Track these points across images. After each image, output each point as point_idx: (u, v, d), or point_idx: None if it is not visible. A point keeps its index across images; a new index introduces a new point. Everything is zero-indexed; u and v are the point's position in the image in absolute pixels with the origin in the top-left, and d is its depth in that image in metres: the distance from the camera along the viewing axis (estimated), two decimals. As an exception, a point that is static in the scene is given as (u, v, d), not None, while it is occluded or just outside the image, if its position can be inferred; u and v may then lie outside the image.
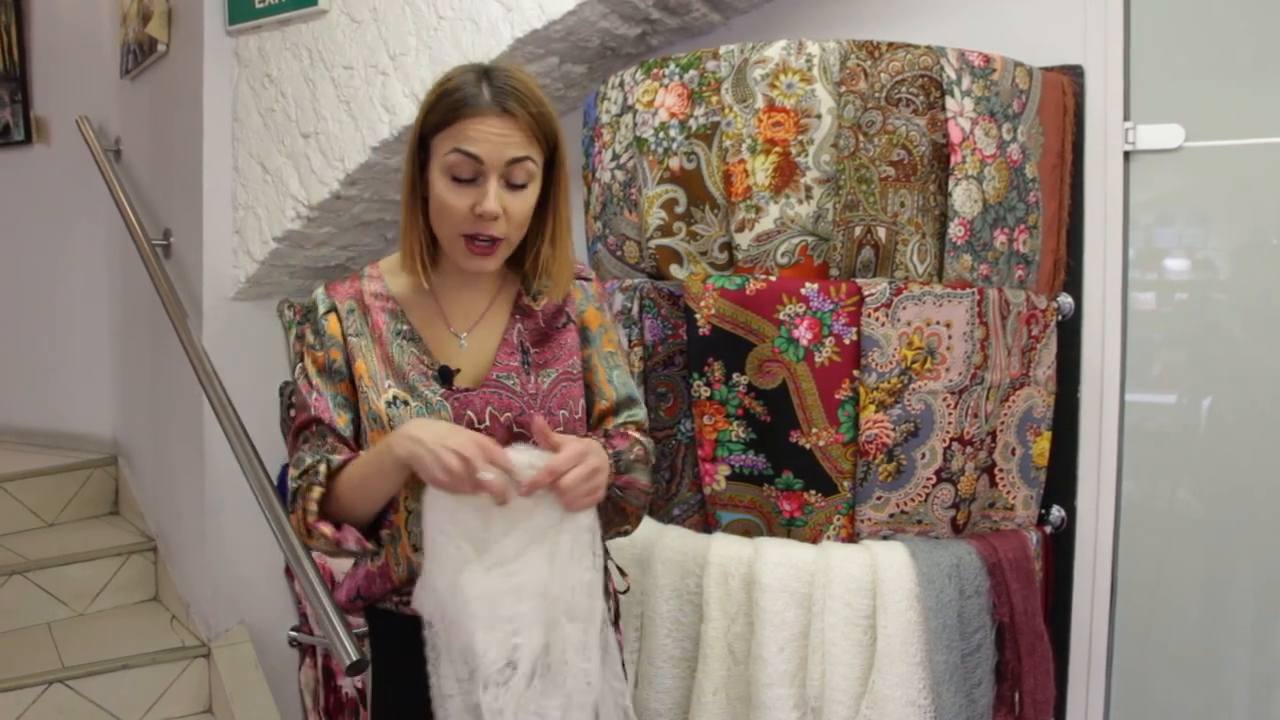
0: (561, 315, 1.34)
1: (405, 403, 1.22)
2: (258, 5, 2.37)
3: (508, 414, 1.25)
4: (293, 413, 1.30)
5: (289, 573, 2.59)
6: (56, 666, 2.40)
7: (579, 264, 1.41)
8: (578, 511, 1.16)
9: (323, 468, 1.20)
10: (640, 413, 1.37)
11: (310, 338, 1.27)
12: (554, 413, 1.27)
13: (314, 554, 2.01)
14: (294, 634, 2.51)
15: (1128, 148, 1.78)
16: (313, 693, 2.53)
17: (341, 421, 1.25)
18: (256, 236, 2.44)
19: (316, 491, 1.19)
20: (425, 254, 1.25)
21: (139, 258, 2.69)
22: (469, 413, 1.24)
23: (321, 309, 1.27)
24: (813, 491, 1.57)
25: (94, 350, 3.45)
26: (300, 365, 1.29)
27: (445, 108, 1.18)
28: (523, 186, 1.21)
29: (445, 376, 1.24)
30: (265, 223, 2.43)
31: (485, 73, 1.20)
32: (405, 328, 1.26)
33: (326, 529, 1.19)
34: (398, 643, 1.29)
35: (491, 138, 1.16)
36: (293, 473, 1.24)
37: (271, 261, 2.46)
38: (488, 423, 1.24)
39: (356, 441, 1.27)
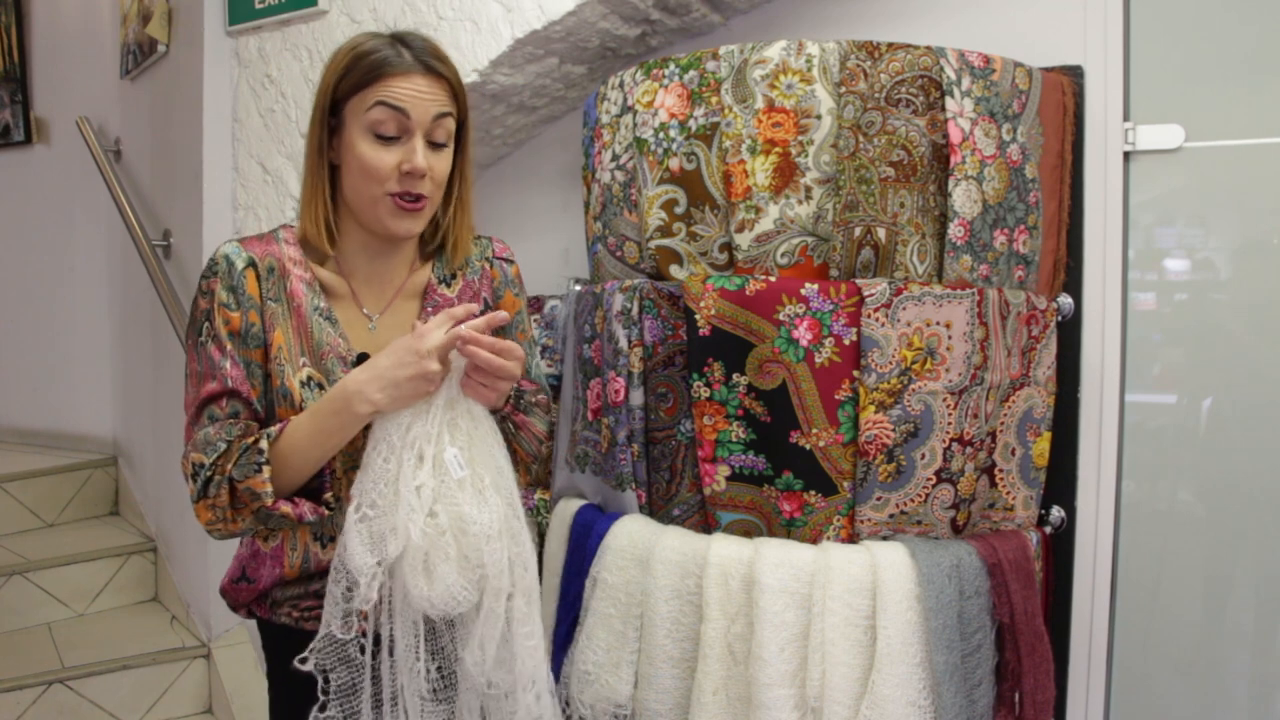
0: (478, 300, 1.32)
1: (320, 385, 1.18)
2: (258, 6, 2.37)
3: None
4: (187, 378, 1.19)
5: (289, 573, 2.59)
6: (57, 667, 2.40)
7: (501, 245, 1.39)
8: (474, 398, 1.15)
9: (265, 443, 1.11)
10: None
11: (224, 294, 1.16)
12: None
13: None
14: (294, 634, 2.51)
15: (1128, 148, 1.78)
16: (313, 693, 2.52)
17: (254, 395, 1.17)
18: (256, 237, 2.44)
19: (267, 471, 1.10)
20: (329, 222, 1.22)
21: (139, 258, 2.69)
22: None
23: (239, 264, 1.18)
24: (813, 492, 1.57)
25: (94, 351, 3.45)
26: (208, 325, 1.17)
27: (366, 69, 1.16)
28: (444, 145, 1.20)
29: (361, 363, 1.19)
30: (265, 223, 2.43)
31: (398, 37, 1.20)
32: (324, 305, 1.22)
33: (287, 508, 1.12)
34: (292, 657, 1.21)
35: (419, 94, 1.16)
36: (197, 456, 1.12)
37: (271, 262, 2.46)
38: None
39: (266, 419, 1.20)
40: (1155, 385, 1.81)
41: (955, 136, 1.59)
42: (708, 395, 1.60)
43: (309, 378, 1.18)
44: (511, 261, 1.39)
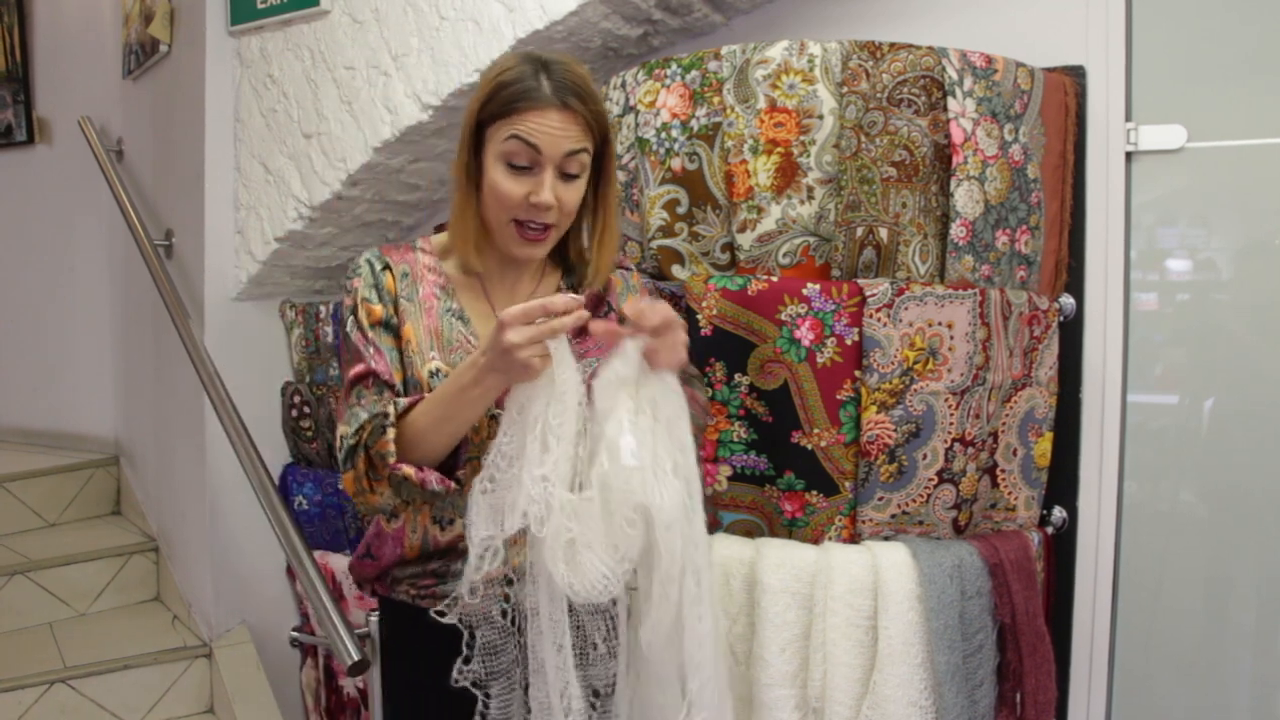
0: (603, 305, 1.35)
1: (447, 375, 1.22)
2: (260, 6, 2.37)
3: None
4: (333, 372, 1.26)
5: (290, 573, 2.59)
6: (58, 666, 2.40)
7: (620, 255, 1.42)
8: (663, 367, 1.14)
9: (391, 409, 1.16)
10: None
11: (365, 291, 1.26)
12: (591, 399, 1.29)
13: (316, 555, 2.01)
14: (295, 634, 2.52)
15: (1129, 148, 1.78)
16: (314, 693, 2.53)
17: (398, 378, 1.24)
18: (258, 237, 2.45)
19: (391, 433, 1.15)
20: (477, 236, 1.27)
21: (141, 258, 2.69)
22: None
23: (378, 265, 1.28)
24: (814, 492, 1.57)
25: (96, 350, 3.45)
26: (353, 318, 1.25)
27: (506, 98, 1.19)
28: (576, 177, 1.23)
29: None
30: (267, 223, 2.43)
31: (544, 64, 1.21)
32: (455, 306, 1.28)
33: (409, 470, 1.14)
34: (409, 633, 1.31)
35: (551, 130, 1.18)
36: (343, 429, 1.20)
37: (273, 262, 2.46)
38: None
39: None
40: (1157, 386, 1.81)
41: (957, 137, 1.59)
42: (709, 395, 1.60)
43: (438, 369, 1.23)
44: (631, 269, 1.42)
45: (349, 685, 2.40)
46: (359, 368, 1.22)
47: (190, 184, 2.55)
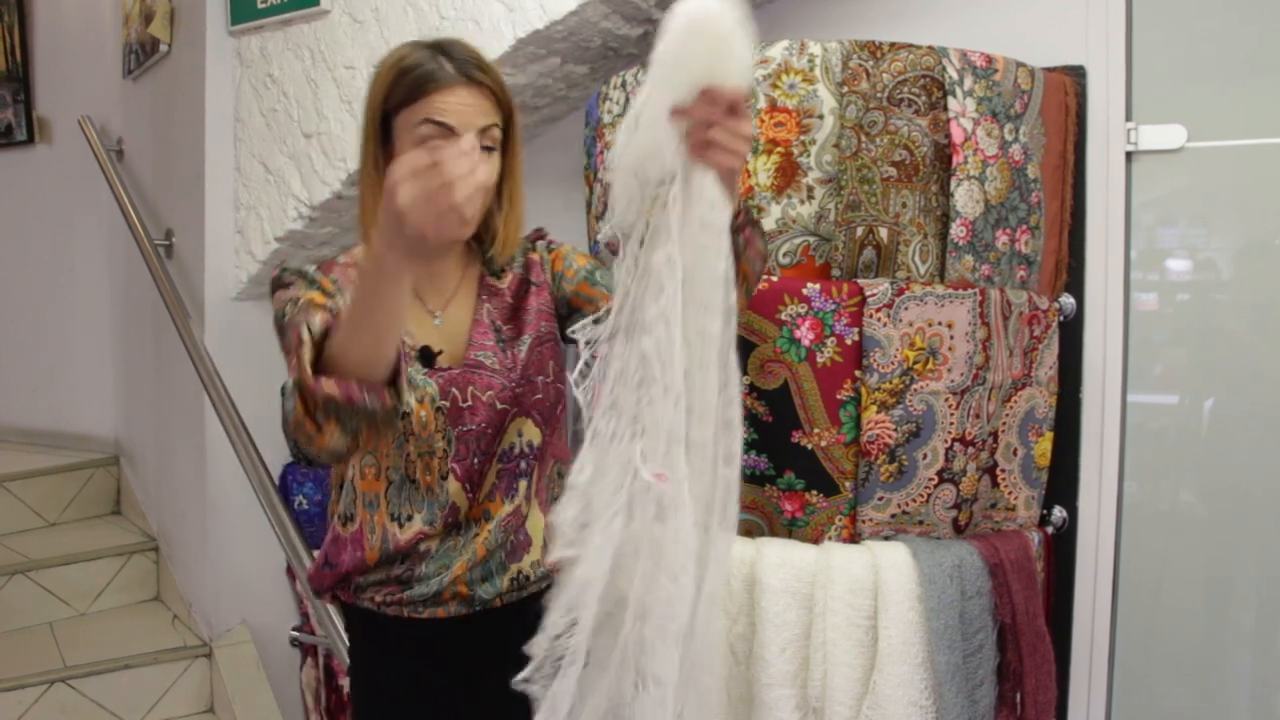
0: (526, 285, 1.33)
1: None
2: (260, 5, 2.37)
3: (489, 392, 1.24)
4: (286, 345, 1.14)
5: (290, 573, 2.59)
6: (58, 666, 2.40)
7: (551, 237, 1.40)
8: (717, 164, 1.01)
9: (305, 333, 1.05)
10: None
11: (304, 286, 1.20)
12: (533, 379, 1.27)
13: (314, 554, 2.00)
14: (295, 634, 2.52)
15: (1130, 148, 1.78)
16: (314, 692, 2.53)
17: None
18: (258, 236, 2.45)
19: (307, 349, 1.03)
20: None
21: (141, 257, 2.69)
22: (454, 390, 1.23)
23: (311, 269, 1.24)
24: (814, 492, 1.57)
25: (96, 350, 3.45)
26: (291, 305, 1.16)
27: (410, 84, 1.18)
28: (489, 150, 1.22)
29: (426, 357, 1.24)
30: (267, 223, 2.43)
31: (439, 46, 1.21)
32: None
33: (331, 385, 1.01)
34: (375, 643, 1.30)
35: (461, 108, 1.17)
36: (289, 398, 1.06)
37: (273, 261, 2.46)
38: (470, 402, 1.24)
39: None
40: (1157, 385, 1.81)
41: (957, 136, 1.59)
42: (709, 395, 1.59)
43: None
44: (542, 236, 1.40)
45: (349, 685, 2.40)
46: (295, 331, 1.10)
47: (190, 184, 2.55)
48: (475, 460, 1.25)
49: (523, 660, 1.33)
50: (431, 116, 1.17)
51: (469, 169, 0.93)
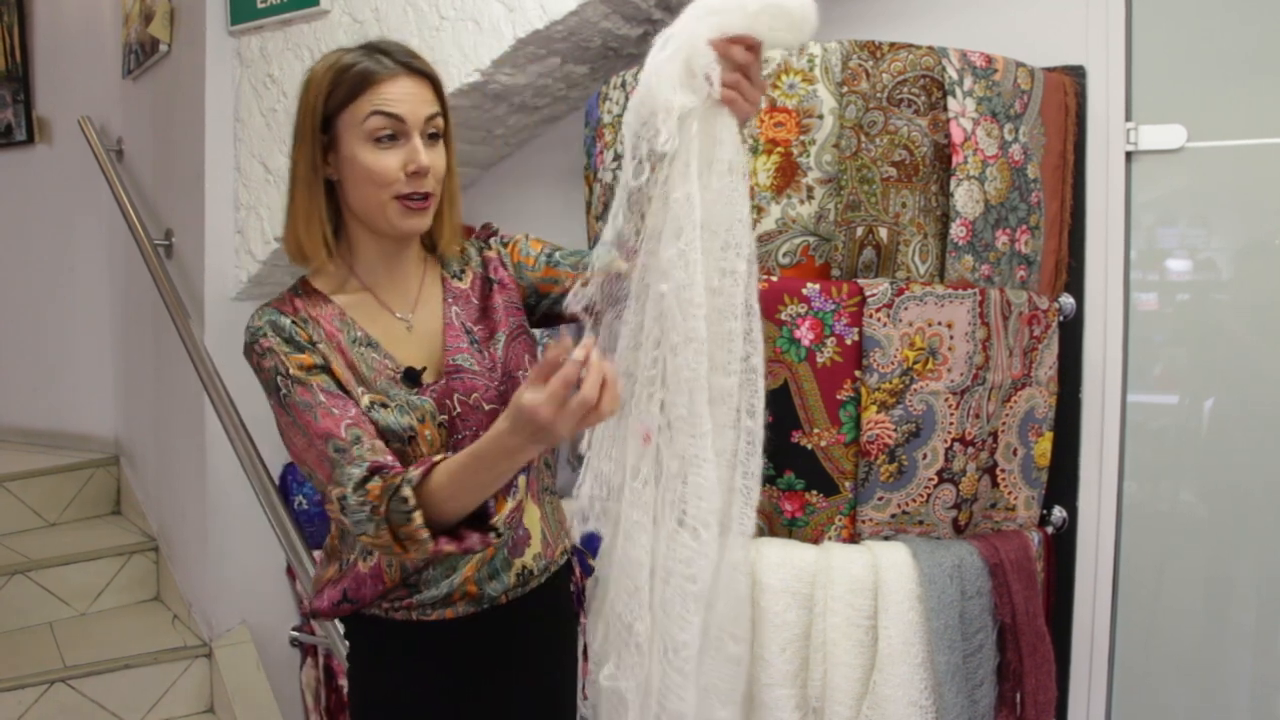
0: (489, 283, 1.33)
1: (384, 405, 1.19)
2: (260, 5, 2.37)
3: (475, 394, 1.24)
4: (292, 431, 1.18)
5: (290, 573, 2.59)
6: (58, 666, 2.40)
7: (502, 232, 1.40)
8: (740, 111, 1.05)
9: (407, 491, 1.08)
10: None
11: (283, 346, 1.18)
12: (514, 374, 1.27)
13: (316, 555, 2.01)
14: (295, 634, 2.52)
15: (1129, 148, 1.78)
16: (314, 693, 2.53)
17: (359, 407, 1.17)
18: (258, 236, 2.45)
19: (418, 518, 1.06)
20: (329, 235, 1.23)
21: (141, 258, 2.69)
22: (446, 401, 1.23)
23: (283, 320, 1.20)
24: (814, 492, 1.57)
25: (96, 350, 3.45)
26: (282, 378, 1.17)
27: (353, 80, 1.18)
28: (437, 138, 1.22)
29: (412, 378, 1.22)
30: (267, 223, 2.43)
31: (371, 45, 1.21)
32: (360, 334, 1.23)
33: (450, 547, 1.08)
34: (382, 648, 1.29)
35: (408, 97, 1.18)
36: (337, 491, 1.10)
37: (273, 261, 2.46)
38: (460, 409, 1.23)
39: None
40: (1157, 385, 1.81)
41: (957, 136, 1.59)
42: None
43: (371, 402, 1.19)
44: (494, 233, 1.39)
45: (348, 691, 2.40)
46: (320, 424, 1.14)
47: (190, 184, 2.55)
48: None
49: (529, 655, 1.34)
50: (379, 108, 1.17)
51: (598, 376, 0.97)
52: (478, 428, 1.22)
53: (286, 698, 2.54)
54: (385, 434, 1.17)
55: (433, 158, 1.20)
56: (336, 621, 1.76)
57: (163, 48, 2.70)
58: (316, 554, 2.18)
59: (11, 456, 3.32)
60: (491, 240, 1.37)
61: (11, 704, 2.28)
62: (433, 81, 1.22)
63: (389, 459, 1.12)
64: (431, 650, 1.27)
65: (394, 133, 1.18)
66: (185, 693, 2.51)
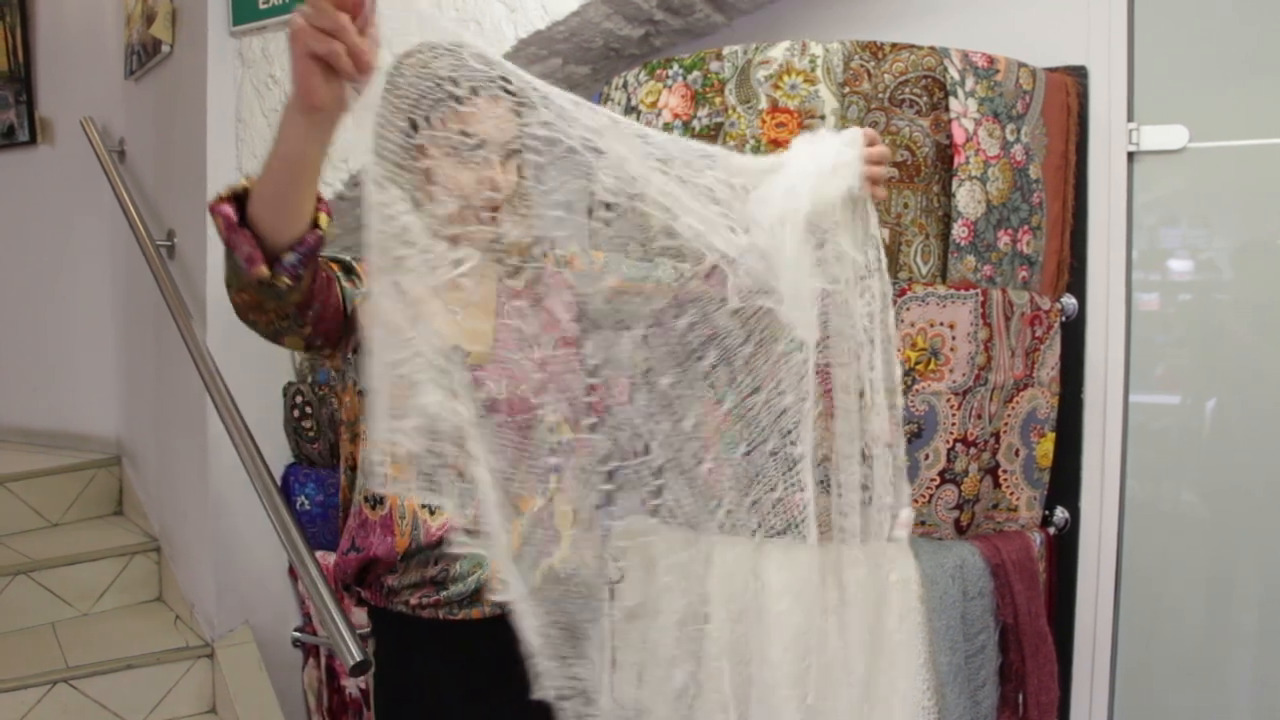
0: (544, 287, 1.34)
1: None
2: (261, 6, 2.37)
3: (522, 386, 1.24)
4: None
5: (293, 573, 2.59)
6: (61, 666, 2.40)
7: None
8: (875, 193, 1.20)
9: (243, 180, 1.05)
10: None
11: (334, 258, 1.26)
12: (562, 376, 1.27)
13: (319, 555, 2.01)
14: (298, 634, 2.52)
15: (1131, 148, 1.77)
16: (316, 693, 2.53)
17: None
18: (260, 237, 2.45)
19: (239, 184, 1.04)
20: None
21: (143, 258, 2.69)
22: (489, 382, 1.23)
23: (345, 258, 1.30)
24: (816, 492, 1.57)
25: (98, 351, 3.45)
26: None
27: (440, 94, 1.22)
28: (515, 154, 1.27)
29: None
30: (269, 223, 2.43)
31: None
32: None
33: (225, 208, 1.02)
34: (409, 646, 1.29)
35: (495, 116, 1.24)
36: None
37: (275, 262, 2.46)
38: (505, 395, 1.23)
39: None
40: (1159, 386, 1.81)
41: (959, 137, 1.58)
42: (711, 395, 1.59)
43: None
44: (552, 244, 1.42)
45: (351, 686, 2.40)
46: None
47: (192, 184, 2.56)
48: (508, 451, 1.25)
49: None
50: (465, 128, 1.23)
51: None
52: (513, 416, 1.23)
53: (289, 698, 2.55)
54: None
55: (509, 174, 1.26)
56: (341, 619, 1.76)
57: (165, 48, 2.70)
58: (319, 554, 2.18)
59: (13, 457, 3.32)
60: (550, 250, 1.39)
61: (14, 704, 2.28)
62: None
63: None
64: (458, 650, 1.27)
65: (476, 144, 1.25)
66: (187, 693, 2.51)
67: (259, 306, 1.10)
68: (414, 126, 1.23)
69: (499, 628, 1.26)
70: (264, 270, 1.05)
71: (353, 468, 1.33)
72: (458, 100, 1.22)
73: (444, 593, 1.25)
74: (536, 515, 1.27)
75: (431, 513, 1.26)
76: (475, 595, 1.25)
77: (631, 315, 1.20)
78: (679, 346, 1.16)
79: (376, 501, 1.28)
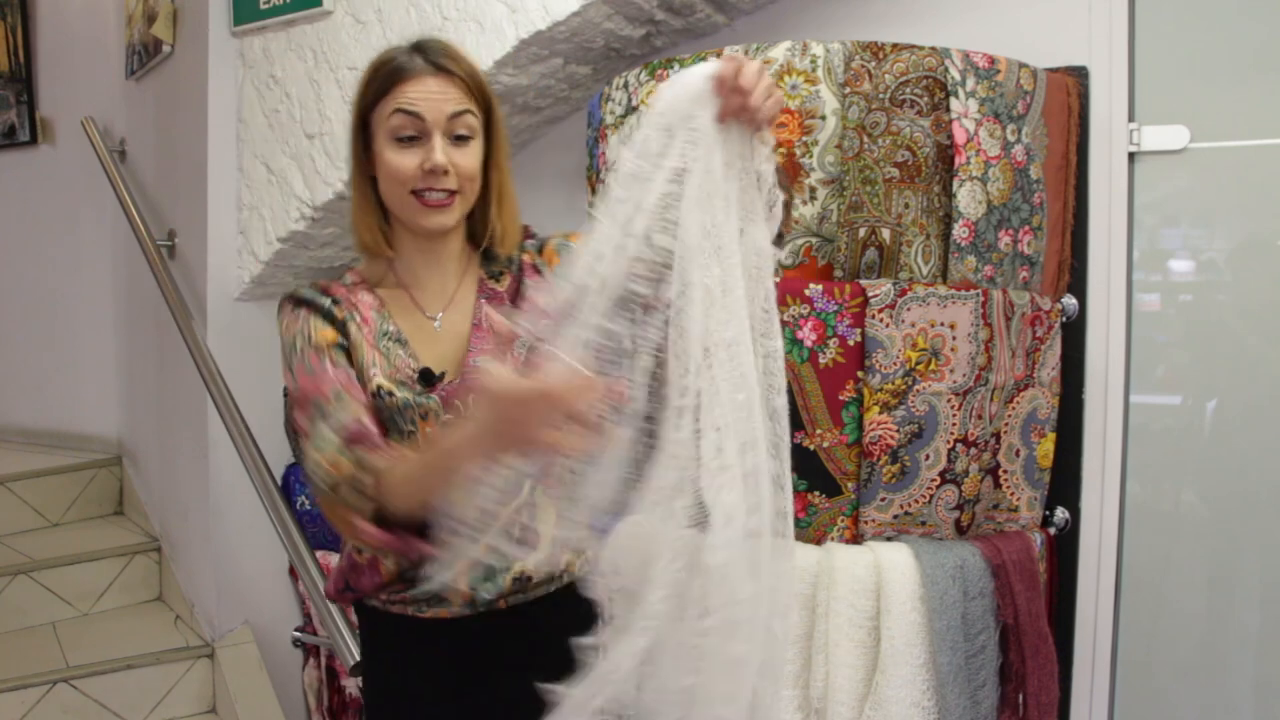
0: (522, 287, 1.33)
1: (390, 393, 1.20)
2: (262, 6, 2.38)
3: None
4: (292, 391, 1.20)
5: (293, 573, 2.59)
6: (61, 666, 2.40)
7: (534, 231, 1.40)
8: (765, 121, 1.04)
9: (367, 479, 1.09)
10: None
11: (316, 320, 1.22)
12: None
13: (319, 555, 2.01)
14: (298, 634, 2.52)
15: (1132, 149, 1.78)
16: (316, 693, 2.53)
17: (360, 391, 1.19)
18: (261, 237, 2.45)
19: (364, 481, 1.08)
20: (382, 226, 1.26)
21: (144, 258, 2.70)
22: (456, 402, 1.22)
23: (324, 301, 1.25)
24: (817, 493, 1.57)
25: (99, 351, 3.46)
26: (302, 340, 1.20)
27: (382, 79, 1.21)
28: (466, 139, 1.23)
29: (427, 379, 1.23)
30: (270, 223, 2.43)
31: (416, 45, 1.23)
32: (392, 328, 1.25)
33: (387, 540, 1.10)
34: (383, 640, 1.30)
35: (431, 96, 1.20)
36: (314, 456, 1.13)
37: (276, 262, 2.46)
38: (470, 410, 1.22)
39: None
40: (1160, 386, 1.81)
41: (960, 137, 1.58)
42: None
43: (379, 387, 1.21)
44: (530, 236, 1.40)
45: (351, 685, 2.40)
46: (316, 385, 1.17)
47: (193, 184, 2.56)
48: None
49: (535, 663, 1.33)
50: (401, 106, 1.19)
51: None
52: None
53: (289, 698, 2.55)
54: (386, 425, 1.19)
55: (457, 156, 1.21)
56: (340, 618, 1.77)
57: (165, 48, 2.70)
58: (319, 554, 2.19)
59: (14, 457, 3.32)
60: (526, 243, 1.38)
61: (14, 704, 2.28)
62: (467, 80, 1.23)
63: (368, 423, 1.14)
64: (428, 647, 1.27)
65: (415, 131, 1.20)
66: (187, 693, 2.51)
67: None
68: (364, 119, 1.24)
69: (467, 629, 1.27)
70: (431, 548, 1.09)
71: None
72: (398, 77, 1.20)
73: (410, 591, 1.25)
74: (510, 518, 1.27)
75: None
76: (440, 596, 1.25)
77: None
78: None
79: (360, 548, 1.28)
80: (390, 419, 1.20)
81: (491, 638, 1.28)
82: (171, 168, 2.78)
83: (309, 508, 2.51)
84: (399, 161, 1.20)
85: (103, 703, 2.40)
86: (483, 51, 2.01)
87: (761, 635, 1.06)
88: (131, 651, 2.50)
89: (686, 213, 1.02)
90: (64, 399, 3.56)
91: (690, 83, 1.03)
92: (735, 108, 1.02)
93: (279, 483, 2.36)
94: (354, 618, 1.74)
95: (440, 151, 1.19)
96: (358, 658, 1.70)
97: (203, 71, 2.47)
